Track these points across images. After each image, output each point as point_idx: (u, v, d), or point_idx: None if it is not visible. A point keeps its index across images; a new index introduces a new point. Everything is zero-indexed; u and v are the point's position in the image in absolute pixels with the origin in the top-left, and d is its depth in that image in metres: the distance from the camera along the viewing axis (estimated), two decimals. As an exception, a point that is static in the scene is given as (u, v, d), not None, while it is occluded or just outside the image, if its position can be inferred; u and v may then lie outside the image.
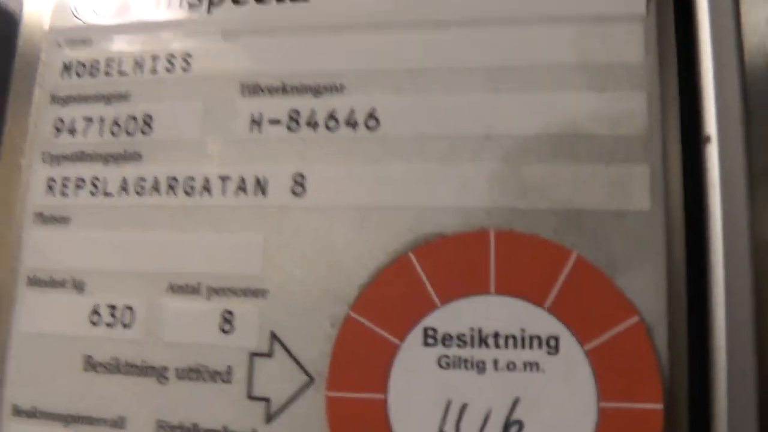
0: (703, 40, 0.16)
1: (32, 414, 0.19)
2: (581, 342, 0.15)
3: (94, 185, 0.19)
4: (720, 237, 0.15)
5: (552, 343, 0.15)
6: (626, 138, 0.16)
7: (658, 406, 0.14)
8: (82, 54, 0.21)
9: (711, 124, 0.16)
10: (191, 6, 0.20)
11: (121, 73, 0.20)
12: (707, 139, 0.16)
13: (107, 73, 0.20)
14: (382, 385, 0.16)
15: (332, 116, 0.18)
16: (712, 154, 0.16)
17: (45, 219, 0.20)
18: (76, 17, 0.21)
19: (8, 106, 0.21)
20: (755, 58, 0.17)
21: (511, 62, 0.17)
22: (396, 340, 0.16)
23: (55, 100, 0.21)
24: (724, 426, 0.14)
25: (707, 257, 0.15)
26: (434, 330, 0.16)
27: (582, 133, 0.16)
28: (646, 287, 0.15)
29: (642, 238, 0.15)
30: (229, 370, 0.17)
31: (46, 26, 0.21)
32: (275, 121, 0.18)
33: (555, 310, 0.15)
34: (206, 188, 0.18)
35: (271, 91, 0.18)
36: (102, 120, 0.20)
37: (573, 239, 0.16)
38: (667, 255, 0.15)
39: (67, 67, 0.21)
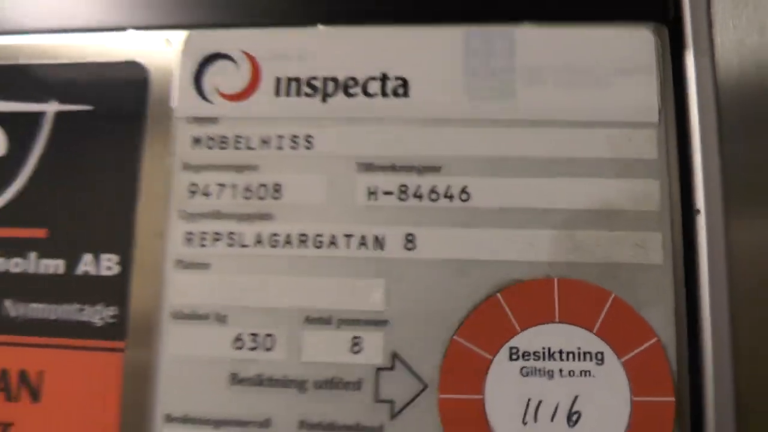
0: (695, 145, 0.25)
1: (184, 420, 0.25)
2: (619, 356, 0.23)
3: (231, 238, 0.26)
4: (707, 284, 0.24)
5: (599, 356, 0.23)
6: (645, 213, 0.24)
7: (671, 399, 0.23)
8: (210, 130, 0.27)
9: (700, 202, 0.25)
10: (308, 95, 0.27)
11: (249, 147, 0.27)
12: (697, 212, 0.25)
13: (236, 147, 0.27)
14: (480, 389, 0.23)
15: (433, 190, 0.25)
16: (701, 222, 0.25)
17: (185, 265, 0.26)
18: (203, 98, 0.27)
19: (143, 170, 0.27)
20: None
21: (563, 155, 0.25)
22: (489, 356, 0.24)
23: (188, 167, 0.27)
24: (712, 410, 0.23)
25: (699, 297, 0.24)
26: (517, 348, 0.24)
27: (615, 209, 0.24)
28: (661, 318, 0.24)
29: (658, 284, 0.24)
30: (359, 381, 0.24)
31: (174, 103, 0.27)
32: (388, 193, 0.25)
33: (601, 334, 0.23)
34: (333, 243, 0.25)
35: (384, 169, 0.25)
36: (234, 186, 0.26)
37: (611, 284, 0.24)
38: (674, 296, 0.24)
39: (197, 140, 0.27)
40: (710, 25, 0.26)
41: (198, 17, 0.28)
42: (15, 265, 0.28)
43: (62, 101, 0.29)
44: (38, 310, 0.27)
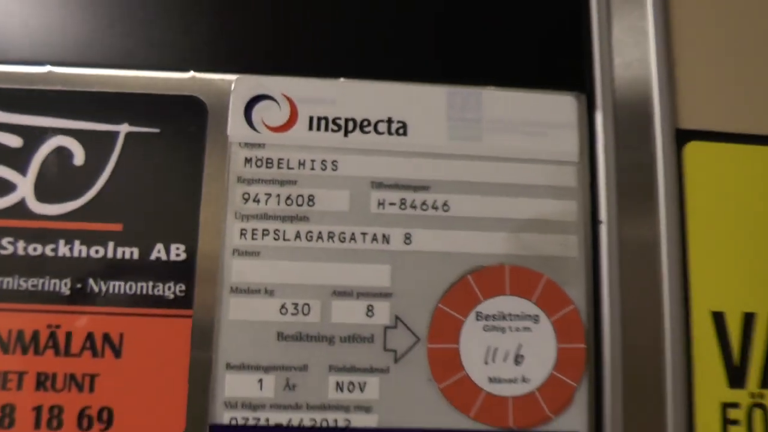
0: (600, 176, 0.39)
1: (241, 367, 0.37)
2: (549, 317, 0.37)
3: (276, 234, 0.38)
4: (606, 270, 0.38)
5: (536, 318, 0.37)
6: (567, 222, 0.38)
7: (583, 345, 0.37)
8: (258, 153, 0.39)
9: (603, 215, 0.39)
10: (333, 131, 0.39)
11: (289, 168, 0.38)
12: (601, 222, 0.39)
13: (279, 167, 0.38)
14: (456, 340, 0.36)
15: (424, 203, 0.38)
16: (603, 230, 0.39)
17: (240, 253, 0.38)
18: (252, 128, 0.39)
19: (204, 181, 0.39)
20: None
21: (514, 181, 0.38)
22: (462, 318, 0.37)
23: (241, 180, 0.38)
24: (608, 351, 0.37)
25: (601, 279, 0.38)
26: (481, 312, 0.37)
27: (549, 219, 0.38)
28: (577, 292, 0.37)
29: (575, 270, 0.38)
30: (372, 336, 0.37)
31: (229, 132, 0.39)
32: (392, 204, 0.38)
33: (538, 303, 0.37)
34: (353, 239, 0.38)
35: (389, 187, 0.38)
36: (278, 195, 0.38)
37: (545, 270, 0.38)
38: (585, 278, 0.38)
39: (248, 160, 0.39)
40: (614, 94, 0.40)
41: (246, 65, 0.40)
42: (95, 251, 0.38)
43: (132, 124, 0.40)
44: (118, 286, 0.38)
